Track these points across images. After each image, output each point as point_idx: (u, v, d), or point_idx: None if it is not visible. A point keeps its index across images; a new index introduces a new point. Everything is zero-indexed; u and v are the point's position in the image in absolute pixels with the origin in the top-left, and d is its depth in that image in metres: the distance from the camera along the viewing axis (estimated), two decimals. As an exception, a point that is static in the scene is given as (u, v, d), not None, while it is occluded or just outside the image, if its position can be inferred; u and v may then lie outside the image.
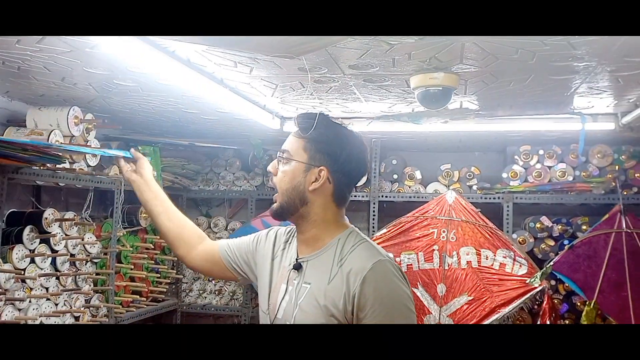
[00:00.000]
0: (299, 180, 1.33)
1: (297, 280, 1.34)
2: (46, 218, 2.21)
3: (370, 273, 1.23)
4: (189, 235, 1.59)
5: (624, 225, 2.68)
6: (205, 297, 3.35)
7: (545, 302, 2.72)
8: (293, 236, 1.45)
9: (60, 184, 2.37)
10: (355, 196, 3.12)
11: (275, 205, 1.38)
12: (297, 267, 1.35)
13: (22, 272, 2.07)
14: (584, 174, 2.91)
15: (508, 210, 2.94)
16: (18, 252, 2.06)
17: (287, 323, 1.32)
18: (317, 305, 1.26)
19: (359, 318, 1.23)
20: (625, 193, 2.82)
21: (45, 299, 2.17)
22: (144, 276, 2.84)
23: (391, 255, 1.32)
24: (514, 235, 2.94)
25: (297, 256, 1.38)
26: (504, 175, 3.02)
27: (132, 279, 2.82)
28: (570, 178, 2.92)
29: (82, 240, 2.41)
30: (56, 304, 2.24)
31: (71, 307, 2.31)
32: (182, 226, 1.60)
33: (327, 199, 1.35)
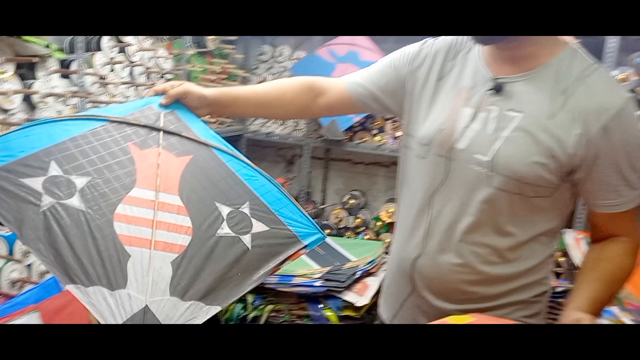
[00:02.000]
0: None
1: (497, 106, 1.09)
2: (122, 27, 2.23)
3: (617, 118, 1.00)
4: (297, 103, 1.36)
5: None
6: (269, 127, 3.44)
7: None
8: (468, 51, 1.17)
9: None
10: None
11: None
12: (498, 88, 1.09)
13: (104, 78, 2.16)
14: None
15: (613, 43, 2.62)
16: (100, 59, 2.12)
17: (476, 155, 1.09)
18: (533, 141, 1.05)
19: (593, 164, 1.04)
20: None
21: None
22: (212, 98, 2.90)
23: None
24: (616, 72, 2.68)
25: (493, 75, 1.10)
26: None
27: (202, 100, 2.89)
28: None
29: (156, 54, 2.44)
30: (136, 113, 2.36)
31: (150, 118, 2.43)
32: (280, 102, 1.36)
33: None
